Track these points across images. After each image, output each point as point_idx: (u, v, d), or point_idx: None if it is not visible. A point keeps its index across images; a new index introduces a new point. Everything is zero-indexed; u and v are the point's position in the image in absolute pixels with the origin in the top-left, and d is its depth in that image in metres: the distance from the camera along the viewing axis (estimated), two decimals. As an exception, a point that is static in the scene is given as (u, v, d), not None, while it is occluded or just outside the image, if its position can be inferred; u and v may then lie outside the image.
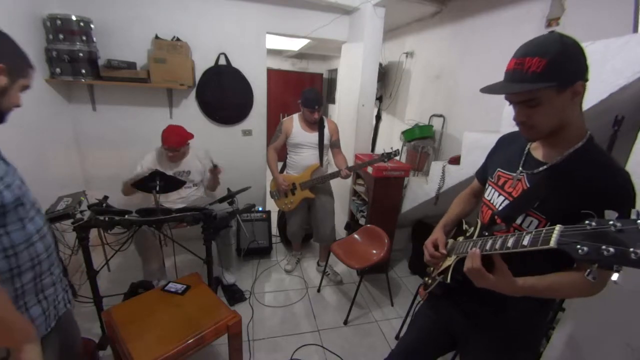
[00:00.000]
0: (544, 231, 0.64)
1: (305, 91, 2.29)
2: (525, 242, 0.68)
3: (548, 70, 0.69)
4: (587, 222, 0.56)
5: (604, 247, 0.52)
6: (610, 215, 0.55)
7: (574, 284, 0.75)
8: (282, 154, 2.48)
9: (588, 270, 0.56)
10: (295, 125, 2.37)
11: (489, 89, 0.78)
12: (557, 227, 0.61)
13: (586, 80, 0.73)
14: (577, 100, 0.74)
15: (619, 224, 0.52)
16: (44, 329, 0.92)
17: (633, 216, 0.52)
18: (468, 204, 1.19)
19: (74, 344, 1.16)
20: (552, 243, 0.60)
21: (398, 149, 2.28)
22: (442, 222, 1.16)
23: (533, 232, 0.67)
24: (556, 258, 0.74)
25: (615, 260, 0.51)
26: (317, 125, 2.37)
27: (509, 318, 0.92)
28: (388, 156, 2.22)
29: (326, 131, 2.38)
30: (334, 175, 2.30)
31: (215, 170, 2.33)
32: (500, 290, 0.77)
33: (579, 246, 0.55)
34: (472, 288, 0.96)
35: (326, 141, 2.39)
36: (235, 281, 2.42)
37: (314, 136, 2.36)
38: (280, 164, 2.55)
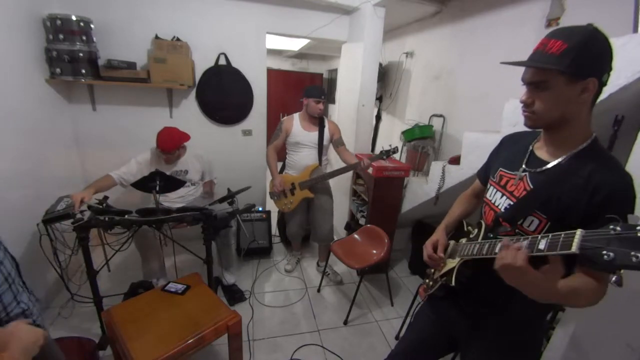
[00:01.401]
0: (562, 235, 0.61)
1: (308, 86, 2.34)
2: (541, 246, 0.65)
3: (565, 56, 0.69)
4: (611, 226, 0.54)
5: (633, 253, 0.50)
6: (634, 219, 0.53)
7: (591, 289, 0.71)
8: (281, 153, 2.48)
9: (615, 276, 0.54)
10: (295, 124, 2.37)
11: (509, 62, 0.79)
12: (579, 232, 0.59)
13: (603, 82, 0.72)
14: (586, 97, 0.73)
15: None
16: None
17: None
18: (469, 204, 1.19)
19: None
20: (574, 248, 0.57)
21: (397, 147, 2.28)
22: (443, 224, 1.16)
23: (550, 236, 0.64)
24: (566, 260, 0.73)
25: None
26: (317, 124, 2.37)
27: (510, 320, 0.92)
28: (387, 153, 2.22)
29: (326, 131, 2.38)
30: (334, 174, 2.30)
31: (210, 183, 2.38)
32: (530, 291, 0.70)
33: (604, 252, 0.53)
34: (474, 290, 0.96)
35: (325, 141, 2.39)
36: (235, 281, 2.42)
37: (314, 135, 2.36)
38: (280, 164, 2.54)
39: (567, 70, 0.69)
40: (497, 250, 0.79)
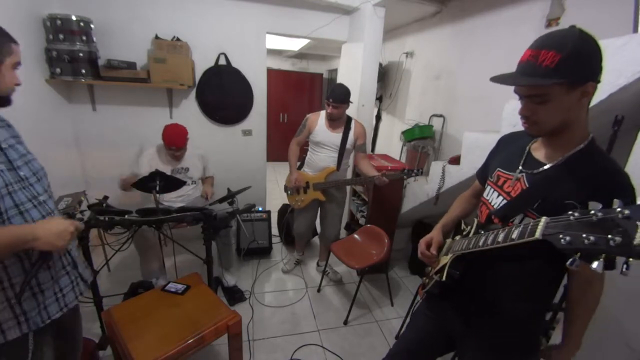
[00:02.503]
0: (531, 223, 0.65)
1: (333, 84, 2.20)
2: (514, 236, 0.68)
3: (561, 66, 0.67)
4: (570, 212, 0.57)
5: (584, 235, 0.53)
6: (594, 206, 0.55)
7: (590, 294, 0.82)
8: (303, 148, 2.43)
9: (571, 259, 0.56)
10: (320, 122, 2.27)
11: (500, 79, 0.76)
12: (543, 219, 0.62)
13: (598, 81, 0.71)
14: (585, 101, 0.73)
15: (600, 214, 0.53)
16: (39, 320, 0.91)
17: (615, 206, 0.52)
18: (469, 204, 1.19)
19: (75, 343, 1.16)
20: (538, 234, 0.61)
21: (421, 170, 2.14)
22: (441, 222, 1.16)
23: (521, 226, 0.68)
24: (555, 259, 0.74)
25: (596, 248, 0.52)
26: (342, 125, 2.25)
27: (504, 319, 0.92)
28: (408, 173, 2.10)
29: (351, 134, 2.26)
30: (348, 182, 2.24)
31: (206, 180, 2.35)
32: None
33: (561, 236, 0.56)
34: (469, 289, 0.96)
35: (349, 145, 2.27)
36: (235, 283, 2.42)
37: (336, 137, 2.25)
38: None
39: (567, 81, 0.69)
40: (480, 244, 0.82)
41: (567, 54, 0.67)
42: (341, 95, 2.13)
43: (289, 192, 2.46)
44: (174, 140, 2.12)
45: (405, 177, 2.12)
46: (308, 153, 2.41)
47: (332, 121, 2.24)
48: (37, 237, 0.82)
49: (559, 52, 0.68)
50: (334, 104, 2.13)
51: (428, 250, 1.07)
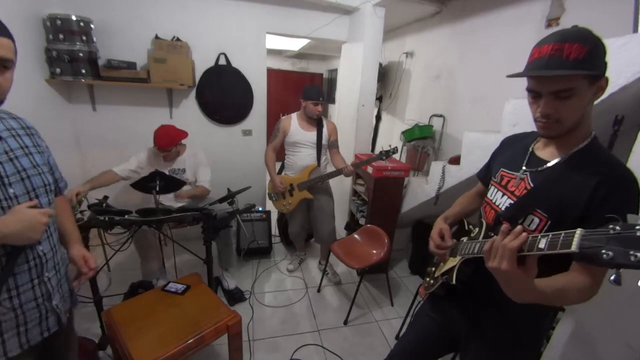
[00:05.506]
0: (562, 234, 0.61)
1: (307, 86, 2.31)
2: (541, 245, 0.64)
3: (589, 58, 0.67)
4: (610, 226, 0.54)
5: (632, 252, 0.50)
6: (634, 219, 0.53)
7: (580, 288, 0.71)
8: (281, 154, 2.47)
9: (613, 275, 0.54)
10: (293, 124, 2.35)
11: (531, 70, 0.73)
12: (578, 231, 0.59)
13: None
14: (598, 96, 0.73)
15: None
16: None
17: None
18: (472, 201, 1.18)
19: None
20: (574, 247, 0.58)
21: (397, 147, 2.24)
22: (443, 215, 1.15)
23: (550, 235, 0.64)
24: (563, 262, 0.73)
25: None
26: (315, 124, 2.35)
27: (510, 320, 0.92)
28: (386, 154, 2.19)
29: (324, 130, 2.36)
30: (332, 174, 2.28)
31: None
32: (514, 293, 0.72)
33: (604, 251, 0.53)
34: (474, 290, 0.96)
35: (324, 141, 2.37)
36: (236, 286, 2.40)
37: (312, 135, 2.33)
38: (278, 165, 2.54)
39: (596, 72, 0.69)
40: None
41: (591, 47, 0.68)
42: (324, 94, 2.25)
43: (273, 198, 2.49)
44: (158, 141, 2.12)
45: (383, 158, 2.19)
46: (286, 156, 2.46)
47: (310, 119, 2.33)
48: (4, 235, 0.75)
49: (585, 45, 0.67)
50: (323, 102, 2.25)
51: (443, 241, 1.04)
